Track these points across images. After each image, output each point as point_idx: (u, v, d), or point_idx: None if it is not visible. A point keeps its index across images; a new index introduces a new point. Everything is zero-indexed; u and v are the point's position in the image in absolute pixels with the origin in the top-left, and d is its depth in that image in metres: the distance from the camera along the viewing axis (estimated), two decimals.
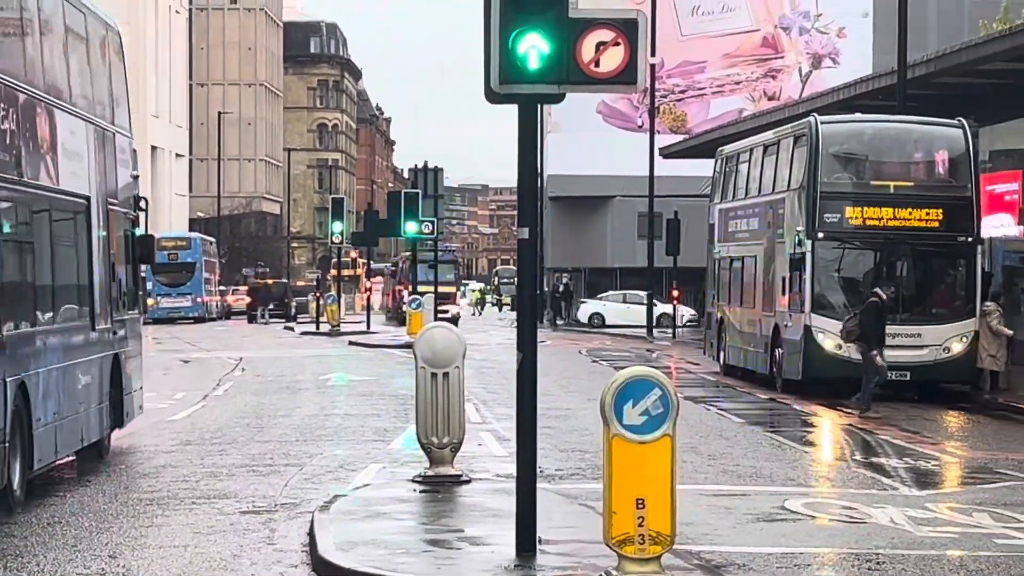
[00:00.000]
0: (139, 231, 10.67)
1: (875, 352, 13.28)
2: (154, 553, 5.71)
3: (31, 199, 7.34)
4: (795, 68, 35.84)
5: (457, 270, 45.00)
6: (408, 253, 36.24)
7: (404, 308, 30.42)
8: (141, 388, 10.82)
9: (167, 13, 58.64)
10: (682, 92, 34.51)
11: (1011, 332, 14.86)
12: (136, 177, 11.12)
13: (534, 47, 4.78)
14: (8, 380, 6.52)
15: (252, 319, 45.02)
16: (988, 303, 14.96)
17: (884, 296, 13.44)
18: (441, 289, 30.81)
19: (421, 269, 29.39)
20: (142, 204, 10.75)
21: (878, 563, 5.58)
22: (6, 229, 6.81)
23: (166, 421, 12.46)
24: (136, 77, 32.20)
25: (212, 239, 51.34)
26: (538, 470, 5.55)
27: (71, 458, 8.78)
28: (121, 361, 9.71)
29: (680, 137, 32.72)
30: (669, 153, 30.06)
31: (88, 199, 8.72)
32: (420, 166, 29.11)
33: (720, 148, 20.92)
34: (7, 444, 6.47)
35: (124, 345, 9.93)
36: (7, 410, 6.47)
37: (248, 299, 47.59)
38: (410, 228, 26.28)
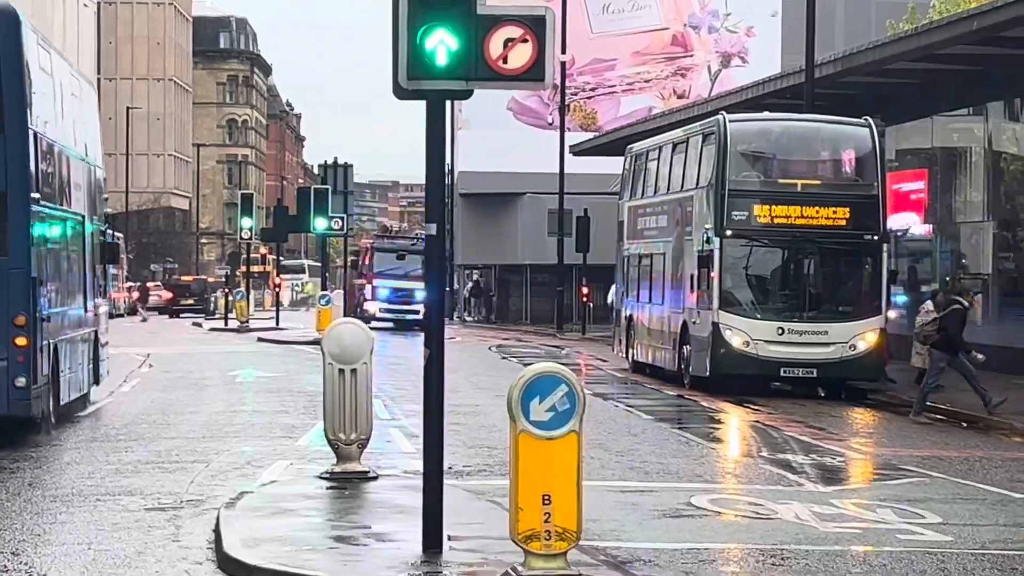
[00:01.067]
0: (108, 239, 14.88)
1: (949, 358, 12.94)
2: (57, 550, 5.61)
3: (61, 218, 11.42)
4: (704, 67, 35.98)
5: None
6: (370, 242, 35.54)
7: (366, 306, 28.45)
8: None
9: (75, 6, 58.17)
10: (592, 90, 34.84)
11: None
12: (106, 199, 15.92)
13: (442, 43, 4.78)
14: (50, 343, 10.42)
15: (174, 315, 46.66)
16: (928, 303, 14.95)
17: (967, 303, 13.51)
18: (412, 284, 27.60)
19: (387, 260, 27.95)
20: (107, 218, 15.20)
21: (783, 558, 5.66)
22: (50, 240, 10.79)
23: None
24: None
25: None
26: (445, 467, 5.57)
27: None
28: (98, 336, 13.65)
29: (590, 135, 33.32)
30: (579, 151, 30.34)
31: (83, 217, 12.69)
32: (330, 162, 29.45)
33: (630, 146, 20.84)
34: (50, 385, 10.48)
35: (99, 324, 13.83)
36: (50, 362, 10.45)
37: (169, 295, 49.76)
38: (319, 224, 26.44)
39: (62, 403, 11.14)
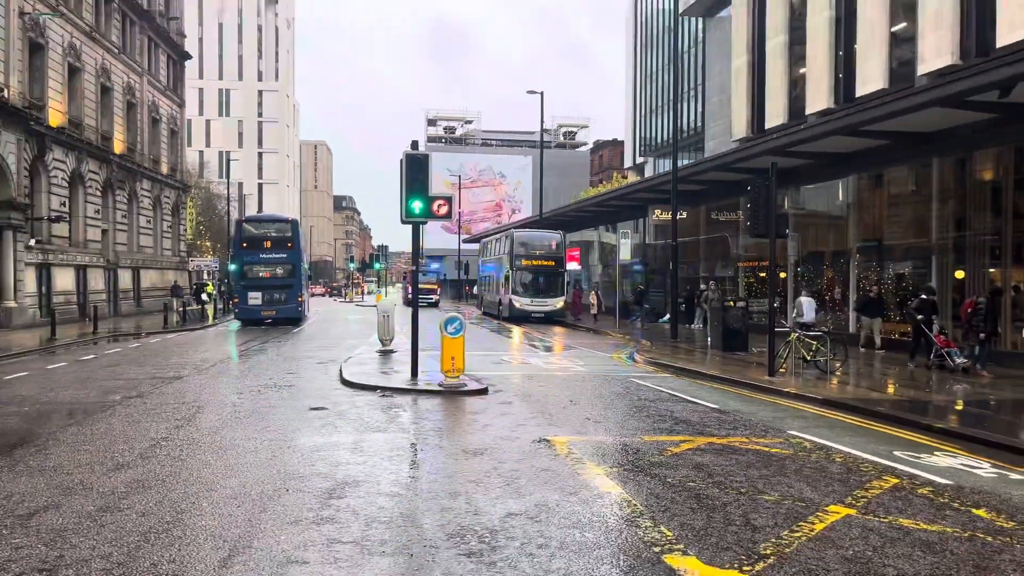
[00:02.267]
0: (307, 273, 39.73)
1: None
2: (294, 373, 15.71)
3: (300, 271, 35.44)
4: (507, 214, 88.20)
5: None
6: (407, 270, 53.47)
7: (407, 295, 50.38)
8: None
9: (289, 191, 76.99)
10: (468, 219, 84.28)
11: (598, 301, 37.03)
12: (307, 262, 44.86)
13: (417, 203, 14.37)
14: (305, 300, 38.63)
15: (328, 295, 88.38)
16: (591, 291, 35.99)
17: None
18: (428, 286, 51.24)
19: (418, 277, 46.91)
20: None
21: (532, 376, 15.87)
22: (300, 275, 35.54)
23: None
24: None
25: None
26: (419, 346, 15.47)
27: None
28: (307, 302, 39.15)
29: (468, 236, 73.98)
30: (465, 240, 69.43)
31: (302, 265, 36.31)
32: (379, 244, 58.90)
33: (483, 239, 52.32)
34: (305, 312, 38.59)
35: (306, 298, 37.00)
36: (305, 305, 37.95)
37: (325, 289, 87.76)
38: (375, 267, 44.07)
39: (304, 320, 33.41)
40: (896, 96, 18.32)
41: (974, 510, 6.86)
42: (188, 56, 52.18)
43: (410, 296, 41.67)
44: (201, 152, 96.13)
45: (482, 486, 7.41)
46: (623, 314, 35.78)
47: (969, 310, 16.82)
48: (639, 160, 61.08)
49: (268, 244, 33.06)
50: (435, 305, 50.59)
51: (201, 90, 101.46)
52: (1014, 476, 8.19)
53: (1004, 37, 19.68)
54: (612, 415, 11.56)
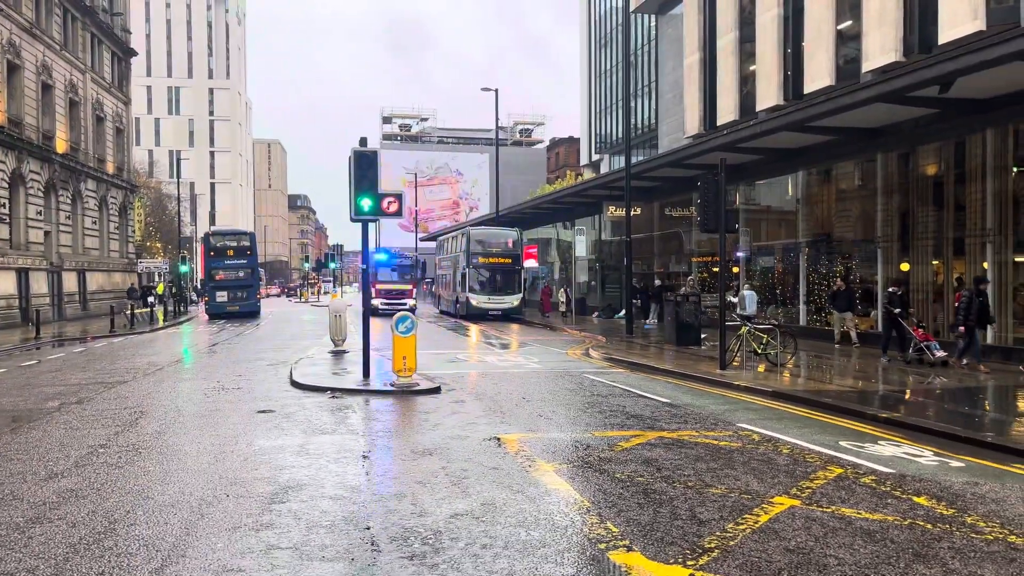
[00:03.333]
0: (260, 273, 44.97)
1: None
2: (242, 374, 15.35)
3: (256, 273, 38.11)
4: (465, 212, 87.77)
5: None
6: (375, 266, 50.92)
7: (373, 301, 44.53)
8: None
9: (243, 192, 74.75)
10: (425, 218, 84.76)
11: (567, 299, 38.96)
12: (261, 263, 51.81)
13: (367, 201, 14.15)
14: (258, 297, 43.30)
15: (283, 296, 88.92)
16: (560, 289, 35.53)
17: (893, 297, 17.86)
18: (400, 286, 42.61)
19: (384, 274, 40.58)
20: None
21: (486, 374, 15.75)
22: (259, 276, 41.35)
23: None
24: None
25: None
26: (371, 346, 15.27)
27: None
28: (259, 300, 43.53)
29: (425, 234, 75.09)
30: (422, 238, 71.19)
31: (258, 270, 38.72)
32: (335, 243, 63.96)
33: (439, 237, 52.23)
34: (258, 304, 43.56)
35: (260, 297, 40.08)
36: (259, 300, 43.66)
37: (280, 289, 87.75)
38: (330, 267, 40.58)
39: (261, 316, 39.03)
40: (842, 92, 18.62)
41: (915, 498, 6.96)
42: (134, 53, 50.94)
43: (374, 300, 37.63)
44: (150, 151, 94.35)
45: (429, 487, 7.30)
46: (579, 311, 36.07)
47: (956, 304, 16.14)
48: (595, 157, 61.39)
49: (231, 252, 40.67)
50: (412, 311, 44.22)
51: (149, 88, 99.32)
52: (955, 463, 8.34)
53: (946, 34, 20.15)
54: (564, 411, 11.53)
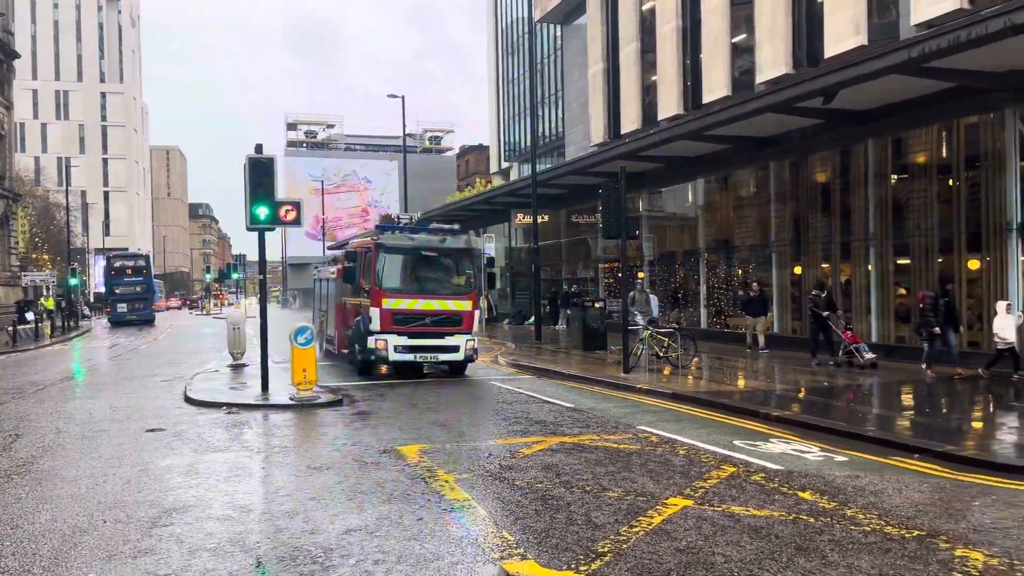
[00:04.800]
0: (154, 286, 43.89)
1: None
2: (130, 393, 14.56)
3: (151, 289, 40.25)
4: (374, 218, 77.50)
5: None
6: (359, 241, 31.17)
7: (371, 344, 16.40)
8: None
9: (141, 200, 68.14)
10: (333, 226, 78.67)
11: (488, 306, 35.11)
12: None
13: (263, 209, 13.72)
14: (152, 310, 49.84)
15: (185, 307, 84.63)
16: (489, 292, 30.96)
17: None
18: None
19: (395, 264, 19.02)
20: None
21: (391, 385, 15.46)
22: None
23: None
24: None
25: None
26: (269, 359, 14.81)
27: None
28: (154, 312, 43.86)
29: (333, 242, 75.65)
30: (330, 247, 74.53)
31: (152, 279, 42.22)
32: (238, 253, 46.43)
33: (347, 246, 43.80)
34: (153, 318, 46.91)
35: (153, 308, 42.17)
36: (151, 311, 48.58)
37: (181, 302, 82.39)
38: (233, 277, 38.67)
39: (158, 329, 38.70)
40: (735, 103, 19.30)
41: (800, 493, 7.19)
42: (16, 55, 48.11)
43: (381, 337, 17.11)
44: (37, 158, 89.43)
45: (323, 502, 7.08)
46: (490, 318, 36.10)
47: (920, 305, 15.22)
48: (504, 165, 61.73)
49: (129, 271, 47.96)
50: (470, 360, 29.13)
51: (35, 91, 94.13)
52: (839, 458, 8.69)
53: (831, 48, 21.15)
54: (468, 420, 11.44)
